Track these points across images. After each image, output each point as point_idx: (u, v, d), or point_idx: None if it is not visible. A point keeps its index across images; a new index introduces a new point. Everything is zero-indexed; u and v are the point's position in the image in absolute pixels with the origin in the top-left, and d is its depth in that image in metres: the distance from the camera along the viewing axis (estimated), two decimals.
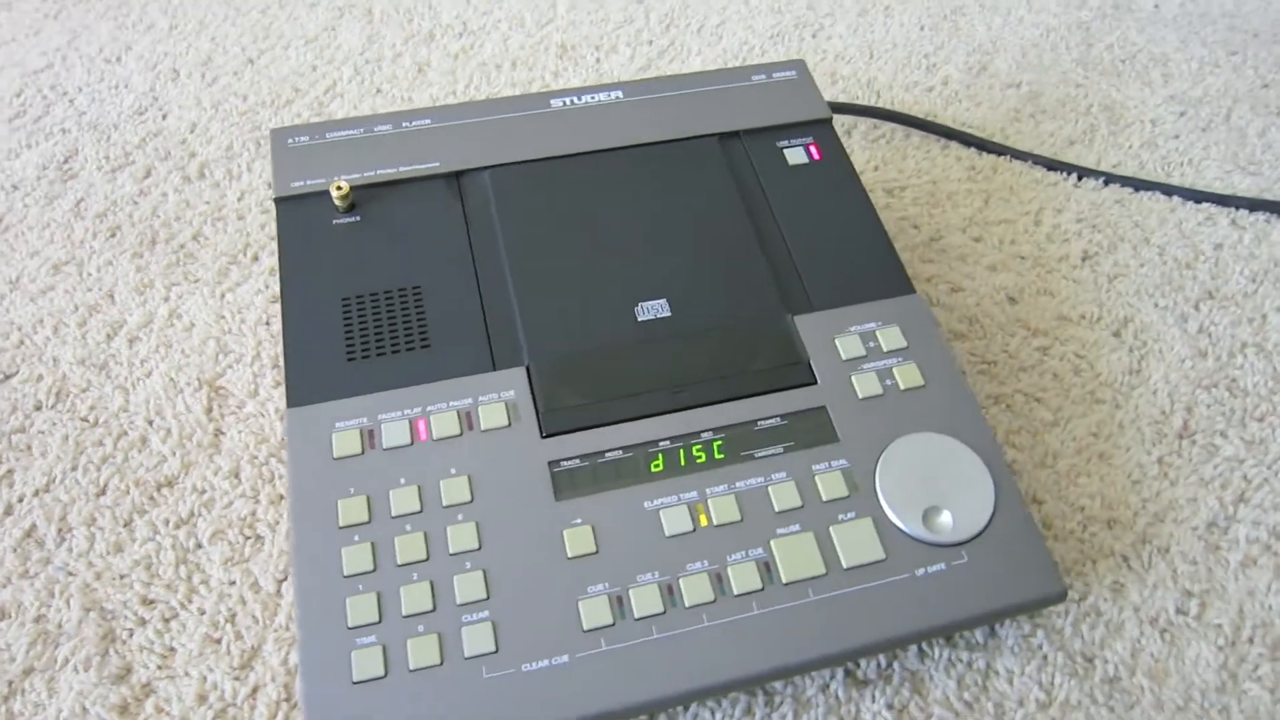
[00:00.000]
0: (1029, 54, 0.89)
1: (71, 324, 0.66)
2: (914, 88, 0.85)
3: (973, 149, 0.77)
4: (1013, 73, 0.87)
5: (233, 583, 0.53)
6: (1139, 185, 0.74)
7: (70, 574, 0.53)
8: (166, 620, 0.52)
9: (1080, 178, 0.75)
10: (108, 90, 0.87)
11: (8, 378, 0.63)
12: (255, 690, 0.49)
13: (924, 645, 0.49)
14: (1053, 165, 0.76)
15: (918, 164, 0.76)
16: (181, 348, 0.64)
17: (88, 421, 0.60)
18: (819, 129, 0.62)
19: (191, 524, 0.55)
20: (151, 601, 0.52)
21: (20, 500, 0.57)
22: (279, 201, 0.56)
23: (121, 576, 0.53)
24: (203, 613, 0.52)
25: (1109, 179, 0.74)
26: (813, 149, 0.61)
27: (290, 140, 0.59)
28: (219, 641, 0.51)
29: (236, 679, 0.49)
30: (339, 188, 0.55)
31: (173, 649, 0.51)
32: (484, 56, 0.90)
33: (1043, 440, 0.59)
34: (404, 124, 0.59)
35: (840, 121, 0.80)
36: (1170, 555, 0.53)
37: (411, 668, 0.43)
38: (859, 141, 0.78)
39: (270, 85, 0.86)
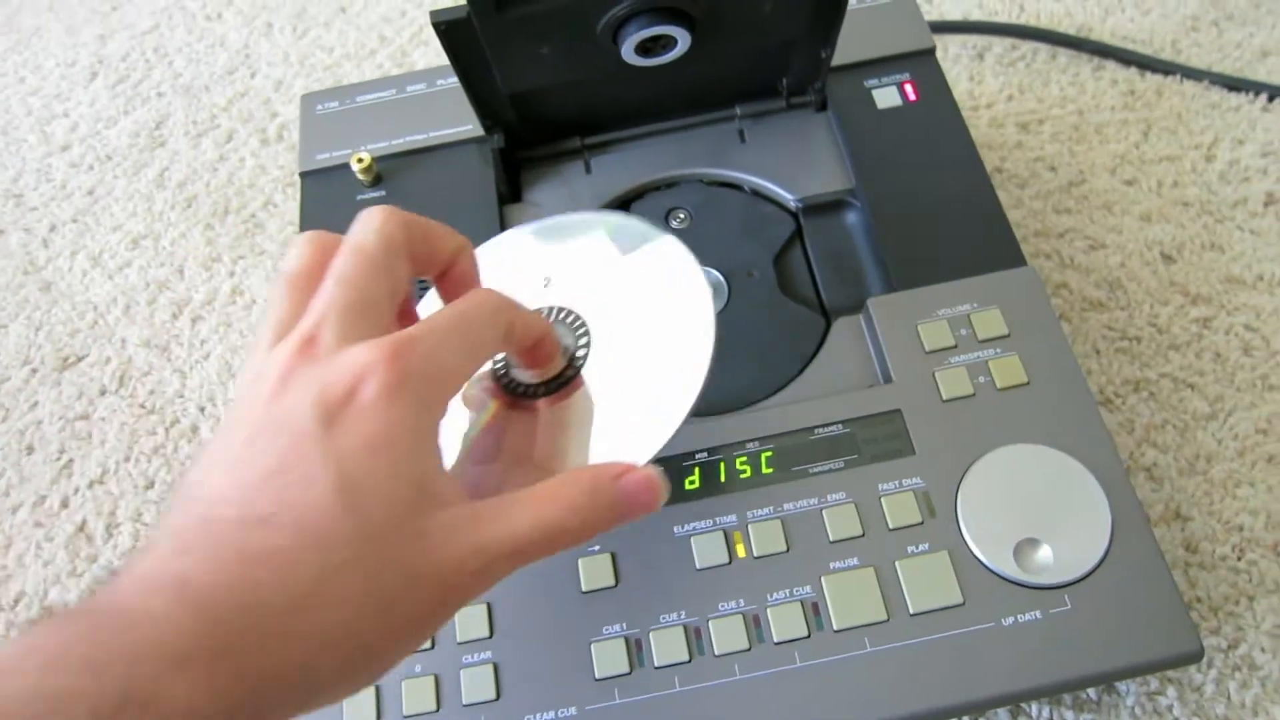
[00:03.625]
0: None
1: (142, 302, 0.64)
2: None
3: (1133, 68, 0.64)
4: None
5: None
6: None
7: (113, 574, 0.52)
8: None
9: (1272, 98, 0.61)
10: (204, 50, 0.84)
11: (79, 360, 0.62)
12: None
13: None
14: (1236, 84, 0.62)
15: (1063, 90, 0.64)
16: (239, 327, 0.62)
17: (145, 408, 0.59)
18: (918, 62, 0.51)
19: None
20: None
21: (76, 492, 0.56)
22: (304, 176, 0.52)
23: None
24: None
25: None
26: (908, 88, 0.51)
27: (319, 107, 0.54)
28: None
29: None
30: (360, 160, 0.50)
31: None
32: None
33: (1194, 438, 0.48)
34: (439, 82, 0.53)
35: (970, 43, 0.68)
36: None
37: (405, 713, 0.38)
38: (992, 66, 0.66)
39: (357, 35, 0.82)
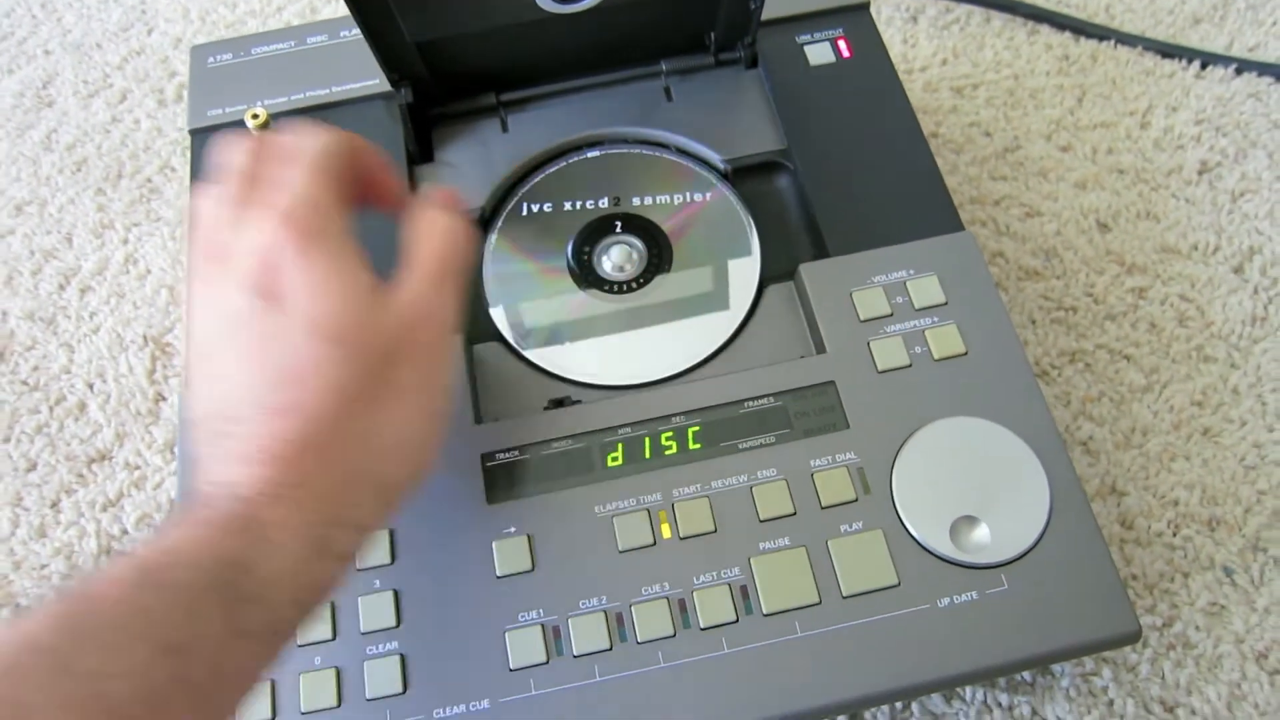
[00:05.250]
0: None
1: (26, 272, 0.60)
2: None
3: (1068, 33, 0.63)
4: None
5: None
6: None
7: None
8: None
9: (1204, 65, 0.60)
10: (96, 5, 0.79)
11: None
12: None
13: None
14: (1169, 51, 0.61)
15: (997, 54, 0.62)
16: (133, 299, 0.57)
17: (28, 385, 0.54)
18: (851, 18, 0.49)
19: (119, 506, 0.49)
20: None
21: None
22: (194, 134, 0.48)
23: (42, 567, 0.48)
24: None
25: (1243, 66, 0.59)
26: (842, 44, 0.48)
27: (211, 59, 0.50)
28: None
29: None
30: (255, 116, 0.46)
31: None
32: None
33: (1130, 411, 0.47)
34: (342, 33, 0.50)
35: (904, 5, 0.66)
36: None
37: (304, 710, 0.35)
38: (926, 29, 0.64)
39: None
